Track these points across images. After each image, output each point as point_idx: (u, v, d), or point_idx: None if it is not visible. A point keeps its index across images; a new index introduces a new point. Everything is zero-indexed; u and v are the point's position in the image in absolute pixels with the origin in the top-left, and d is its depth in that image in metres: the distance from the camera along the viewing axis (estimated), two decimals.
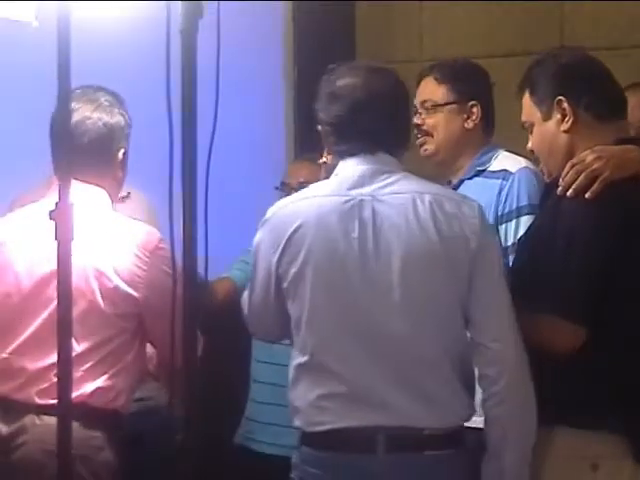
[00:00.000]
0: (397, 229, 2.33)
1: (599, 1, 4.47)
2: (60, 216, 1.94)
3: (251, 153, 4.10)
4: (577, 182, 2.35)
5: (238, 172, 3.66)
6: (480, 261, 2.35)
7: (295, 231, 2.36)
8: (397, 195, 2.36)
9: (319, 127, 2.46)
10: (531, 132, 2.54)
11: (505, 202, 2.87)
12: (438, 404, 2.33)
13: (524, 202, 2.85)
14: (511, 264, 2.67)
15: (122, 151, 2.64)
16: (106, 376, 2.51)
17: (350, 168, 2.40)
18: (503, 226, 2.85)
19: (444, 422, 2.33)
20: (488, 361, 2.35)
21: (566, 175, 2.37)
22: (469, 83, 3.02)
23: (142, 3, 2.19)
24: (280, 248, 2.37)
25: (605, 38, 4.41)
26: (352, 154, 2.40)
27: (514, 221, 2.85)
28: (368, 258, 2.33)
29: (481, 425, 2.39)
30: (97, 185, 2.59)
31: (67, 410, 1.97)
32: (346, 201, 2.35)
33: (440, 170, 3.07)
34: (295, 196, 2.47)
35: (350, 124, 2.38)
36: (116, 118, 2.61)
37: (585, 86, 2.48)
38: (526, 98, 2.54)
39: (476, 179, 2.96)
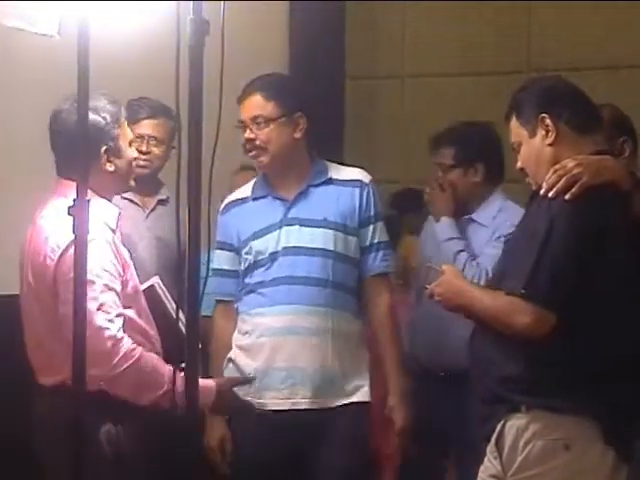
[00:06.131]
0: None
1: (563, 23, 4.70)
2: (78, 211, 2.10)
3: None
4: (558, 185, 2.56)
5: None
6: None
7: None
8: None
9: None
10: (519, 152, 2.73)
11: (365, 208, 3.25)
12: None
13: (379, 209, 3.29)
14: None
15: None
16: None
17: None
18: (364, 229, 3.25)
19: None
20: None
21: (549, 179, 2.58)
22: (293, 97, 3.23)
23: (155, 20, 2.35)
24: None
25: (568, 59, 4.64)
26: None
27: (372, 225, 3.25)
28: None
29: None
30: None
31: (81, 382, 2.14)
32: None
33: (275, 180, 3.26)
34: None
35: None
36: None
37: (564, 103, 2.69)
38: (513, 121, 2.74)
39: (329, 187, 3.24)
